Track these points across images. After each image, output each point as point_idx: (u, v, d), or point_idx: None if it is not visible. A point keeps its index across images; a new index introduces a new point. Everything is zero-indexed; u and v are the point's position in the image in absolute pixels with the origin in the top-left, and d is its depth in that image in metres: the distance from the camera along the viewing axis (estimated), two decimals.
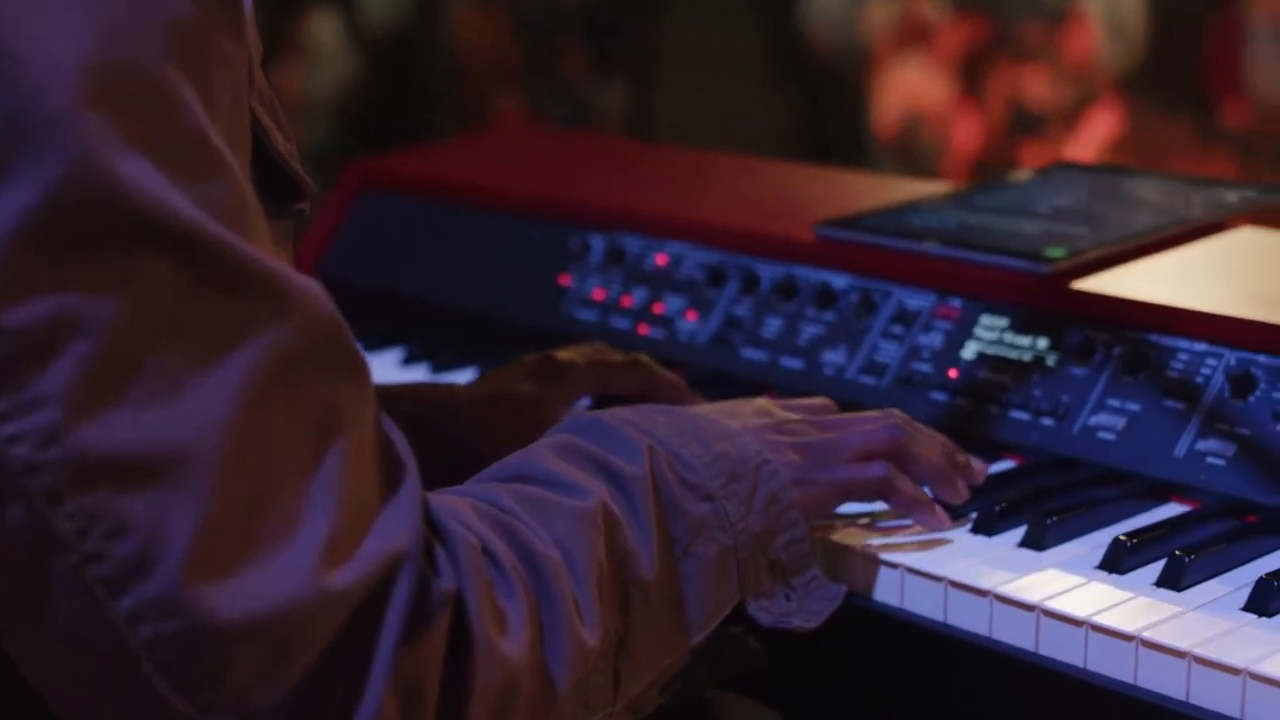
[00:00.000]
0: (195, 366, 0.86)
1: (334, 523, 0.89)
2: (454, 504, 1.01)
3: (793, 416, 1.25)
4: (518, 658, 0.96)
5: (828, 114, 7.05)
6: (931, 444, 1.27)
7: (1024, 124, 6.81)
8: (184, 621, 0.85)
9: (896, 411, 1.27)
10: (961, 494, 1.28)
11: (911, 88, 6.91)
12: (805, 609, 1.16)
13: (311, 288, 0.91)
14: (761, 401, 1.27)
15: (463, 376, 1.73)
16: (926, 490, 1.27)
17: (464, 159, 2.16)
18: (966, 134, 6.98)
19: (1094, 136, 6.68)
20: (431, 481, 1.07)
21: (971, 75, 6.98)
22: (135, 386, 0.85)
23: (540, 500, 1.05)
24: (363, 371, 0.94)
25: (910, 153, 6.13)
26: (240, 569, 0.86)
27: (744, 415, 1.22)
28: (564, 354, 1.48)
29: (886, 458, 1.23)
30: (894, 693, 1.27)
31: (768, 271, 1.68)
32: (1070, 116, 6.79)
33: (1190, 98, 6.96)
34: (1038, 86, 6.88)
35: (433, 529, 0.96)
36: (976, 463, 1.30)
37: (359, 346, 0.95)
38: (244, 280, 0.88)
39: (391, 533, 0.92)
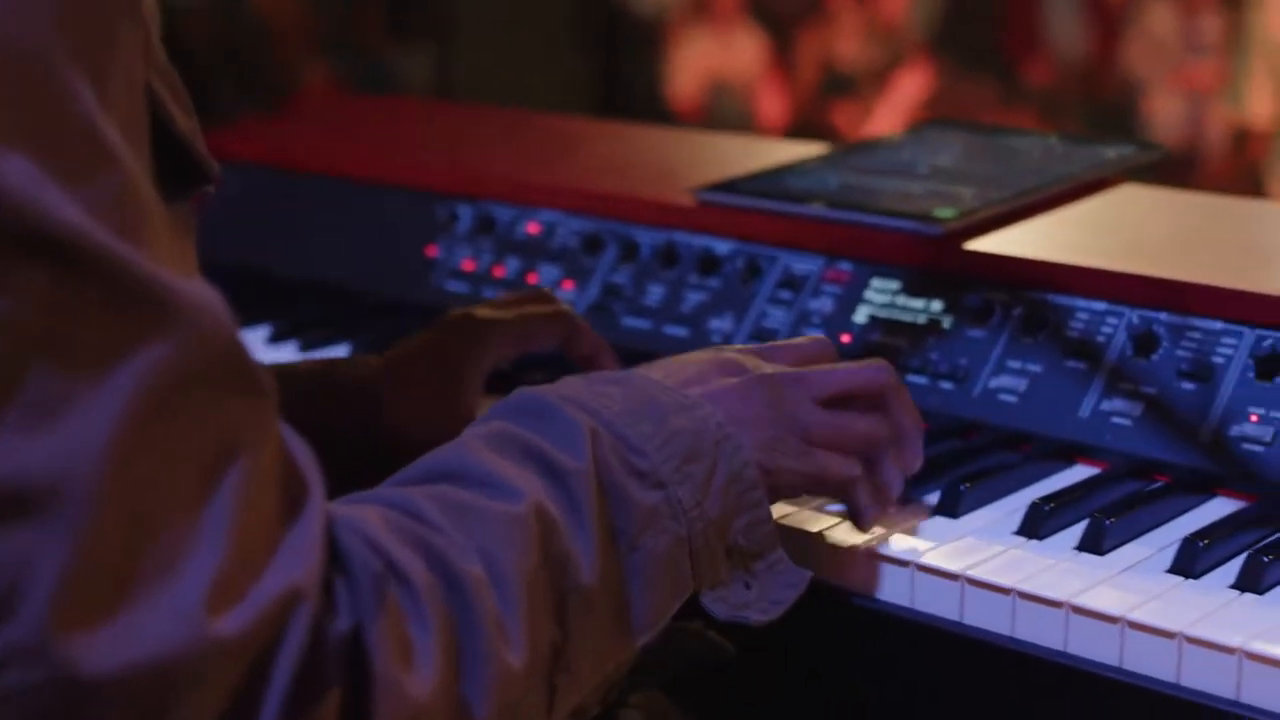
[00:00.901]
0: (71, 388, 0.78)
1: (223, 561, 0.80)
2: (364, 518, 0.92)
3: (768, 367, 1.15)
4: (427, 695, 0.88)
5: (629, 78, 7.03)
6: (911, 404, 1.20)
7: (834, 87, 6.85)
8: (51, 671, 0.76)
9: (884, 364, 1.19)
10: (911, 465, 1.21)
11: (715, 51, 6.92)
12: (766, 597, 1.09)
13: (206, 300, 0.82)
14: (733, 353, 1.16)
15: (333, 353, 1.67)
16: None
17: (319, 129, 2.09)
18: (774, 97, 7.01)
19: (904, 97, 6.75)
20: (346, 467, 1.01)
21: (780, 37, 7.01)
22: (2, 410, 0.76)
23: (465, 506, 0.96)
24: (262, 392, 0.86)
25: (713, 116, 6.13)
26: (115, 614, 0.78)
27: (710, 378, 1.13)
28: (484, 310, 1.41)
29: (870, 398, 1.16)
30: (817, 663, 1.24)
31: (647, 238, 1.63)
32: (879, 78, 6.85)
33: (993, 57, 7.06)
34: (847, 49, 6.93)
35: (334, 556, 0.88)
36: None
37: (260, 364, 0.86)
38: (129, 292, 0.79)
39: (288, 569, 0.83)
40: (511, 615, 0.93)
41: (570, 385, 1.08)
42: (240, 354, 0.84)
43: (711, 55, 6.97)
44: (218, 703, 0.80)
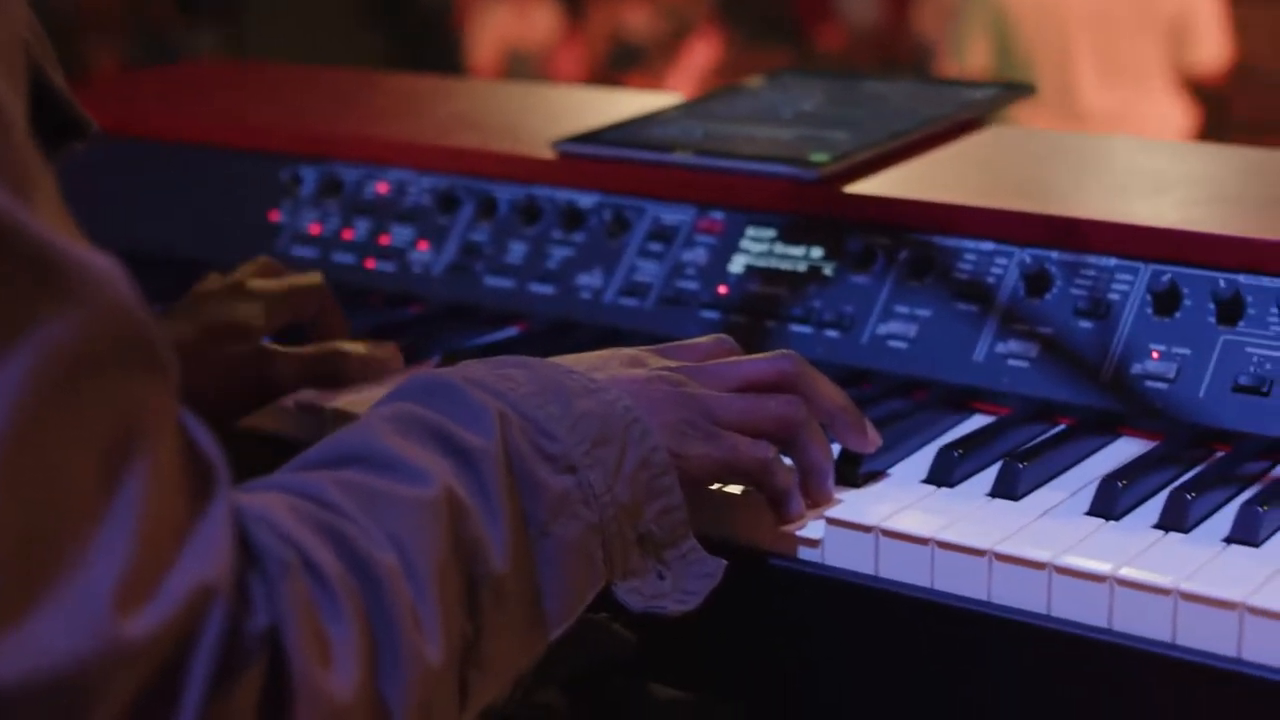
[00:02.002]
0: None
1: (131, 557, 0.73)
2: (270, 506, 0.85)
3: (672, 363, 1.11)
4: (347, 693, 0.81)
5: (424, 54, 6.94)
6: (830, 385, 1.15)
7: (626, 57, 6.82)
8: None
9: (791, 354, 1.14)
10: (873, 441, 1.16)
11: (511, 24, 6.86)
12: (680, 588, 1.03)
13: (106, 269, 0.74)
14: (633, 350, 1.12)
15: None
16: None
17: (148, 91, 1.98)
18: (569, 69, 6.96)
19: (694, 66, 6.74)
20: None
21: (573, 9, 6.96)
22: None
23: (373, 492, 0.89)
24: (165, 368, 0.78)
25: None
26: (13, 620, 0.70)
27: (610, 367, 1.08)
28: (253, 281, 1.38)
29: (776, 435, 1.10)
30: (724, 623, 1.18)
31: (505, 193, 1.56)
32: (669, 48, 6.83)
33: (783, 25, 7.08)
34: (637, 19, 6.90)
35: (245, 548, 0.80)
36: (872, 430, 1.18)
37: (162, 339, 0.78)
38: (23, 261, 0.71)
39: (199, 562, 0.76)
40: (426, 607, 0.87)
41: (473, 368, 1.02)
42: (143, 328, 0.76)
43: (508, 27, 6.91)
44: (129, 710, 0.73)
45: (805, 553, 1.13)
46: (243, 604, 0.78)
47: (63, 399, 0.72)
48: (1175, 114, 4.70)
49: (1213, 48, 4.69)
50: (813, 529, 1.12)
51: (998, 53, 4.65)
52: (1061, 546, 1.06)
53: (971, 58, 4.71)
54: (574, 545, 0.98)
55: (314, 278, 1.41)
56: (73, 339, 0.72)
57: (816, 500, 1.13)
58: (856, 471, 1.17)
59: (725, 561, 1.06)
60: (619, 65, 6.83)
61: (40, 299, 0.72)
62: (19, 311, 0.71)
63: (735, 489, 1.14)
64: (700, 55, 6.78)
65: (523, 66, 6.81)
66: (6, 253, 0.71)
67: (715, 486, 1.14)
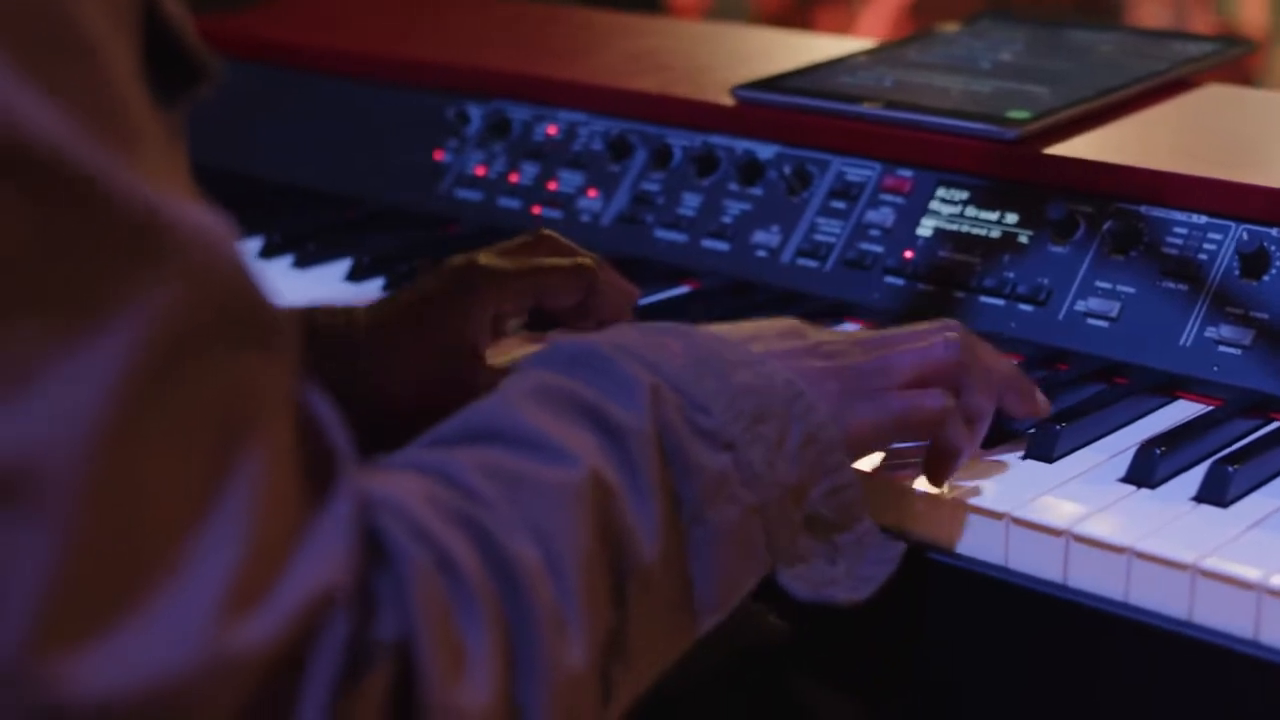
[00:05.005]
0: (47, 349, 0.62)
1: (239, 558, 0.65)
2: (405, 494, 0.76)
3: (828, 336, 1.01)
4: (481, 706, 0.73)
5: None
6: (996, 355, 1.07)
7: None
8: (28, 697, 0.61)
9: (953, 322, 1.05)
10: (1043, 406, 1.09)
11: None
12: (854, 574, 0.94)
13: (212, 229, 0.67)
14: (790, 321, 1.03)
15: (333, 269, 1.50)
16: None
17: (313, 20, 1.91)
18: (769, 3, 6.82)
19: (889, 4, 6.57)
20: None
21: None
22: None
23: (515, 475, 0.81)
24: (281, 344, 0.70)
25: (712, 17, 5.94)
26: (107, 628, 0.62)
27: (768, 337, 0.99)
28: (490, 259, 1.19)
29: (948, 380, 1.02)
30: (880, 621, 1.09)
31: (680, 141, 1.47)
32: None
33: None
34: None
35: (373, 545, 0.72)
36: (1041, 396, 1.10)
37: (277, 309, 0.70)
38: (123, 224, 0.64)
39: (317, 564, 0.68)
40: (570, 604, 0.78)
41: (624, 333, 0.93)
42: (253, 297, 0.68)
43: None
44: None
45: (983, 553, 1.03)
46: (367, 609, 0.70)
47: (163, 380, 0.64)
48: None
49: None
50: (993, 529, 1.02)
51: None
52: (1276, 564, 0.95)
53: (1245, 9, 4.30)
54: (731, 530, 0.89)
55: (580, 259, 1.22)
56: (174, 312, 0.64)
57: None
58: (1052, 449, 1.08)
59: (904, 545, 0.98)
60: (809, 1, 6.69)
61: (137, 266, 0.64)
62: (113, 281, 0.63)
63: (910, 482, 1.05)
64: None
65: (724, 5, 6.69)
66: (101, 211, 0.63)
67: (890, 479, 1.05)
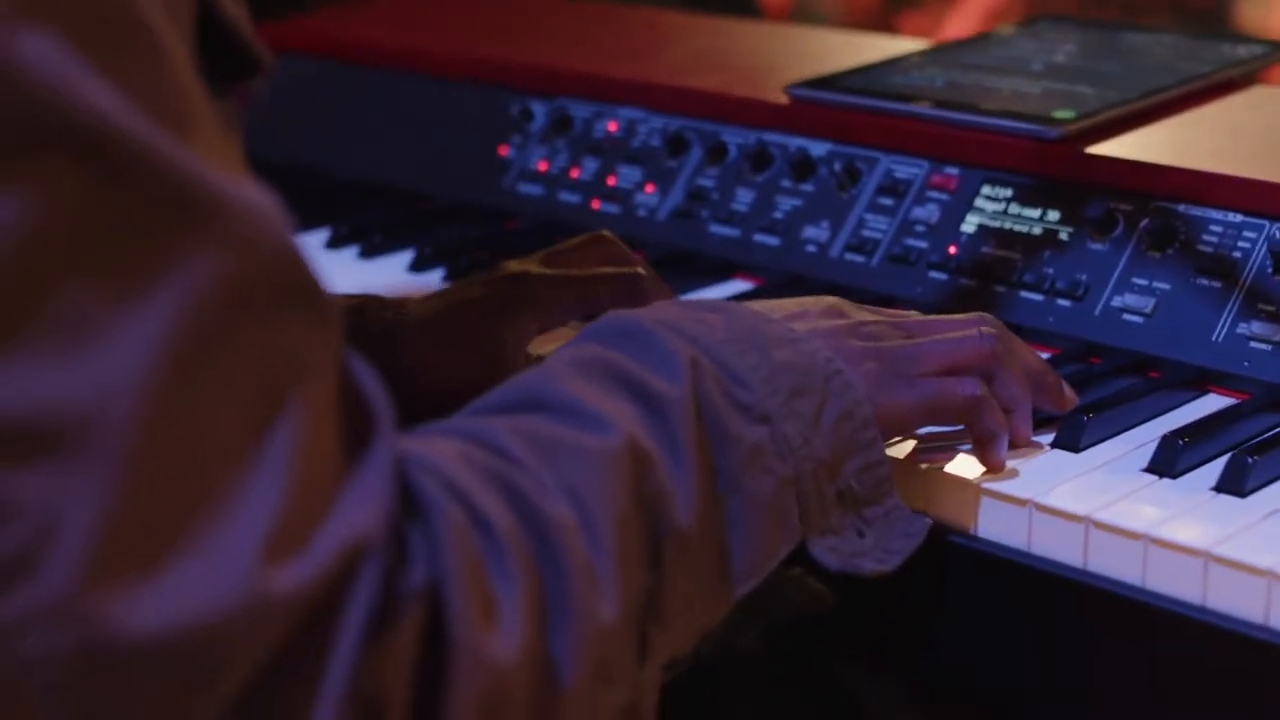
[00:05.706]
0: (105, 308, 0.67)
1: (281, 507, 0.70)
2: (439, 453, 0.81)
3: (869, 317, 1.05)
4: (510, 656, 0.77)
5: None
6: (1027, 349, 1.10)
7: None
8: (82, 633, 0.66)
9: (988, 316, 1.09)
10: (1070, 401, 1.13)
11: None
12: (881, 547, 0.98)
13: (261, 205, 0.72)
14: (833, 299, 1.07)
15: (396, 260, 1.55)
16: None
17: (384, 19, 1.96)
18: (855, 6, 6.83)
19: (978, 6, 6.56)
20: None
21: None
22: (24, 332, 0.66)
23: (552, 440, 0.85)
24: (324, 310, 0.75)
25: (796, 18, 5.96)
26: (156, 568, 0.67)
27: (811, 316, 1.03)
28: (543, 269, 1.23)
29: (980, 371, 1.06)
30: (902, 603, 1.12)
31: (735, 138, 1.51)
32: None
33: None
34: None
35: (408, 499, 0.77)
36: (1067, 387, 1.13)
37: (320, 279, 0.75)
38: (173, 195, 0.69)
39: (354, 514, 0.73)
40: (603, 562, 0.82)
41: (666, 309, 0.97)
42: (300, 268, 0.73)
43: None
44: (272, 666, 0.70)
45: (1007, 538, 1.06)
46: (400, 559, 0.75)
47: (212, 338, 0.69)
48: None
49: None
50: (1016, 514, 1.05)
51: None
52: None
53: None
54: (766, 500, 0.93)
55: (631, 268, 1.26)
56: (223, 277, 0.70)
57: (1016, 441, 1.09)
58: (1079, 439, 1.11)
59: (930, 520, 1.02)
60: (895, 6, 6.69)
61: (191, 235, 0.69)
62: (169, 247, 0.69)
63: (942, 466, 1.08)
64: None
65: (808, 7, 6.70)
66: (156, 187, 0.69)
67: (923, 465, 1.08)
